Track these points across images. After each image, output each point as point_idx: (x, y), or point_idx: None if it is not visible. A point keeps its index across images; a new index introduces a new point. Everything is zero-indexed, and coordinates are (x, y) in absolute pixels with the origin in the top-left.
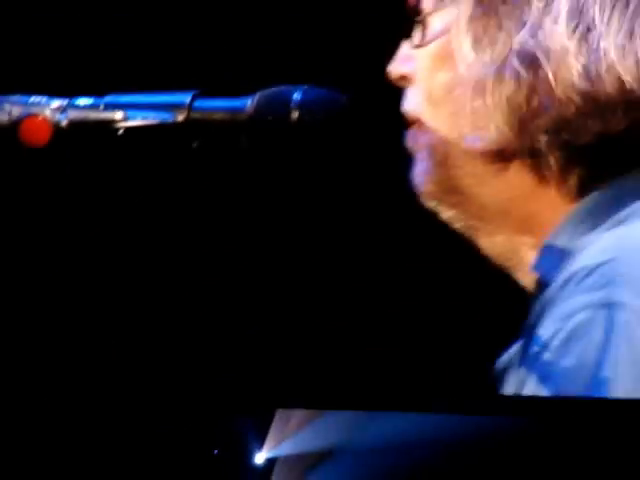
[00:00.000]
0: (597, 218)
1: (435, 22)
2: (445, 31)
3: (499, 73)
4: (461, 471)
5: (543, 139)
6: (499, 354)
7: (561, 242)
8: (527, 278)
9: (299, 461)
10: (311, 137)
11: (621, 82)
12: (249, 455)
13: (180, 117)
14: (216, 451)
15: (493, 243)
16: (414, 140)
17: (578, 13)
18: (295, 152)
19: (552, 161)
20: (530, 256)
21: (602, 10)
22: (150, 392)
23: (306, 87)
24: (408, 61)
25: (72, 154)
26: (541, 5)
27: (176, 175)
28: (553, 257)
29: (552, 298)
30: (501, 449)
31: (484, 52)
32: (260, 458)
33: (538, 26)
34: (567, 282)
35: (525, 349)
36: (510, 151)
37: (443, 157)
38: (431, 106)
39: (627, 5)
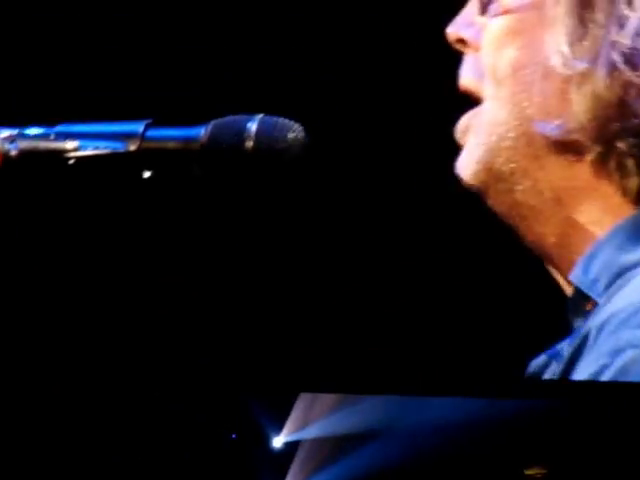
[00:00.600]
0: None
1: None
2: (522, 7)
3: (592, 66)
4: (491, 454)
5: (625, 139)
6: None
7: (604, 255)
8: (564, 278)
9: (323, 445)
10: (265, 166)
11: None
12: (267, 439)
13: (132, 146)
14: (234, 435)
15: (536, 235)
16: (468, 122)
17: None
18: (249, 181)
19: (629, 164)
20: (570, 255)
21: None
22: (168, 376)
23: (261, 116)
24: (470, 26)
25: (22, 184)
26: None
27: (128, 204)
28: (595, 269)
29: (598, 329)
30: (531, 432)
31: (578, 42)
32: (278, 442)
33: None
34: (614, 315)
35: (566, 374)
36: (583, 143)
37: (500, 138)
38: (495, 83)
39: None
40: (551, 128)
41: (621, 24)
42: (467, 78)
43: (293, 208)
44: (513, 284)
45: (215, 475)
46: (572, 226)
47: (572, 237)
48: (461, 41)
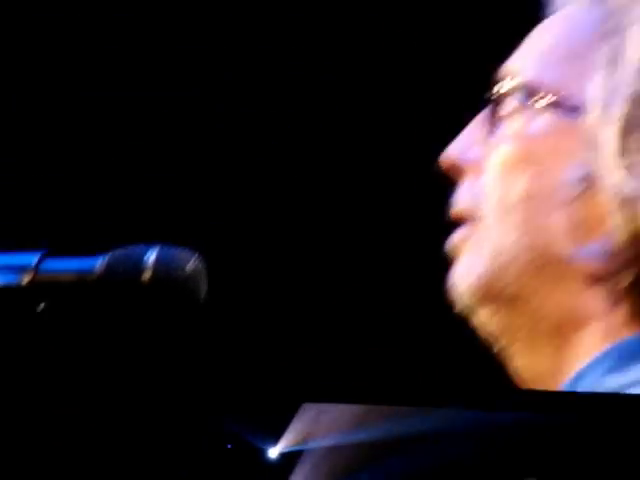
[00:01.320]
0: (630, 362)
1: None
2: (537, 135)
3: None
4: (484, 466)
5: None
6: None
7: (590, 378)
8: None
9: (330, 456)
10: (164, 297)
11: None
12: (263, 449)
13: (26, 279)
14: (229, 445)
15: (525, 362)
16: (465, 237)
17: None
18: (145, 312)
19: None
20: (560, 377)
21: None
22: (164, 386)
23: (159, 246)
24: (469, 150)
25: None
26: None
27: (21, 340)
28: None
29: None
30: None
31: (630, 164)
32: (274, 452)
33: None
34: None
35: None
36: (614, 268)
37: (507, 261)
38: (503, 210)
39: None
40: (585, 253)
41: None
42: (462, 205)
43: (286, 225)
44: None
45: None
46: (566, 352)
47: (563, 362)
48: (455, 168)
